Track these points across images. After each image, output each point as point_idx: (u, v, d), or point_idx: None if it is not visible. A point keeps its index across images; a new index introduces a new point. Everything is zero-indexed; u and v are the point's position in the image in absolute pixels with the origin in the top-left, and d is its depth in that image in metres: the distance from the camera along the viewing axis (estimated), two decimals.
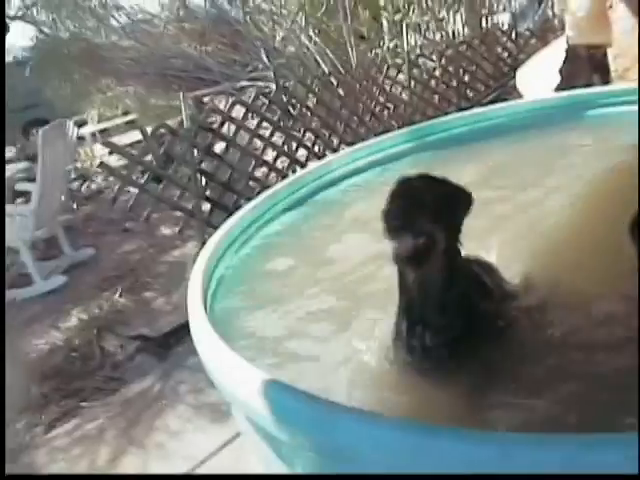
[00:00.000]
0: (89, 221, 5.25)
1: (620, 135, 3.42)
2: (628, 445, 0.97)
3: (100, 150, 6.44)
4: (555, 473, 1.00)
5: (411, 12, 6.99)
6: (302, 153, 4.89)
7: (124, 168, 4.55)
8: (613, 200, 2.63)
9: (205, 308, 1.80)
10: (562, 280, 1.87)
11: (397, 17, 6.94)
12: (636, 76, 3.88)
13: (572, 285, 1.87)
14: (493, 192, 2.86)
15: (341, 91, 5.25)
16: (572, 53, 4.53)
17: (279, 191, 3.11)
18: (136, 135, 5.24)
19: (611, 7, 4.11)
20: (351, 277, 2.19)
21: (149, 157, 4.51)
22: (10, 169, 5.32)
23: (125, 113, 8.47)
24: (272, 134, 4.79)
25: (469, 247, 1.63)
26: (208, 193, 4.32)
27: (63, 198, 4.78)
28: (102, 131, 8.00)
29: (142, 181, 4.23)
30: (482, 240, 1.82)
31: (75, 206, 5.55)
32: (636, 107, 3.54)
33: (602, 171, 2.93)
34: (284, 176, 4.47)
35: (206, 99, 5.63)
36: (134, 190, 4.26)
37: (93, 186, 6.13)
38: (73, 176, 5.82)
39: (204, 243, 2.48)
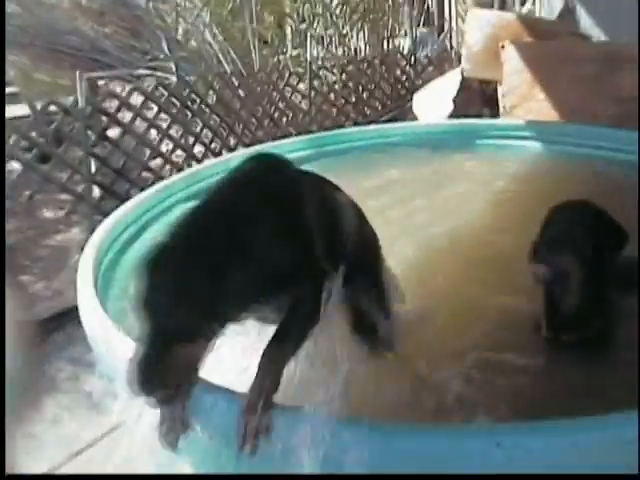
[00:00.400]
0: None
1: (502, 163, 3.73)
2: None
3: None
4: None
5: (316, 23, 7.12)
6: (199, 149, 4.84)
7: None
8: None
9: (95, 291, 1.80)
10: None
11: (302, 26, 7.05)
12: (521, 113, 4.20)
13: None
14: (387, 199, 3.04)
15: (241, 92, 5.26)
16: (466, 84, 4.82)
17: (176, 182, 3.09)
18: (19, 109, 4.95)
19: (503, 47, 4.41)
20: None
21: (34, 134, 4.28)
22: None
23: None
24: (169, 126, 4.70)
25: None
26: (99, 178, 4.17)
27: None
28: None
29: (27, 158, 4.01)
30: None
31: None
32: (519, 141, 3.87)
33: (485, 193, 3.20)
34: (179, 169, 4.41)
35: (101, 82, 5.43)
36: (17, 166, 4.04)
37: None
38: None
39: (92, 229, 2.42)
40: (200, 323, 1.22)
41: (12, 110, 6.04)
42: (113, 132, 4.46)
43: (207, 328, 1.24)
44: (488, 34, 4.68)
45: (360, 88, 6.24)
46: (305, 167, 3.54)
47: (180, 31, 6.93)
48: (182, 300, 1.20)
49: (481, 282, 2.12)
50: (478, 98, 4.70)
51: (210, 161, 4.27)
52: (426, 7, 7.75)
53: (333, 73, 6.12)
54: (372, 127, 4.51)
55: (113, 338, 1.51)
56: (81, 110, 4.17)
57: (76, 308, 1.93)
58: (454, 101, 4.82)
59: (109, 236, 2.37)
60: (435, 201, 3.13)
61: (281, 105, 5.57)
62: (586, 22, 5.51)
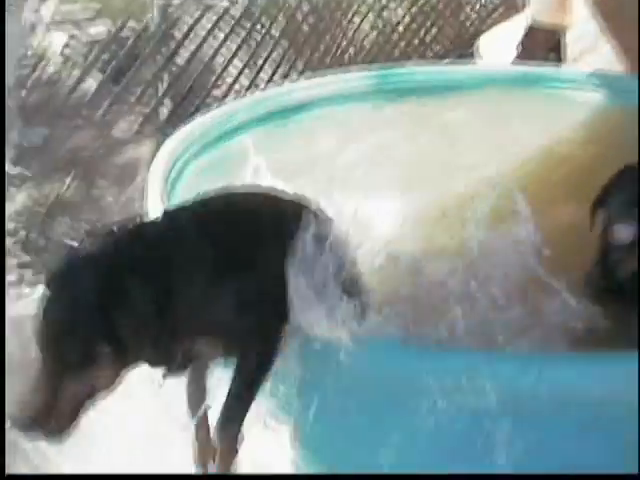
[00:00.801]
0: (42, 107, 5.11)
1: (564, 113, 3.73)
2: None
3: (58, 37, 6.21)
4: None
5: None
6: (264, 76, 4.94)
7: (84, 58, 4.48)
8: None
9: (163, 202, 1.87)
10: None
11: None
12: (590, 61, 4.17)
13: None
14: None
15: (311, 19, 5.31)
16: (532, 29, 4.77)
17: (240, 106, 3.21)
18: (93, 29, 5.11)
19: None
20: None
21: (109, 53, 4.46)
22: None
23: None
24: (236, 52, 4.82)
25: None
26: (168, 99, 4.35)
27: (13, 80, 4.66)
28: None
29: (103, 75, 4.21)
30: None
31: (25, 91, 5.38)
32: (585, 92, 3.85)
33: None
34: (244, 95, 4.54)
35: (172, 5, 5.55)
36: (92, 82, 4.23)
37: (44, 75, 5.92)
38: (26, 61, 5.62)
39: (159, 146, 2.57)
40: (93, 348, 1.11)
41: (89, 30, 6.24)
42: (183, 55, 4.61)
43: (105, 355, 1.13)
44: None
45: (423, 31, 6.21)
46: (364, 103, 3.66)
47: None
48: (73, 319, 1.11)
49: None
50: (545, 44, 4.65)
51: (273, 88, 4.37)
52: None
53: (395, 14, 6.10)
54: (435, 67, 4.53)
55: None
56: (153, 32, 4.32)
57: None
58: (519, 46, 4.78)
59: (175, 152, 2.48)
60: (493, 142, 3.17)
61: (347, 37, 5.63)
62: None
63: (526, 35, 4.88)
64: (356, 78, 3.89)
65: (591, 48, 4.28)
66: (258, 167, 2.04)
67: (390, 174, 2.46)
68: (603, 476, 1.07)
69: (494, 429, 1.14)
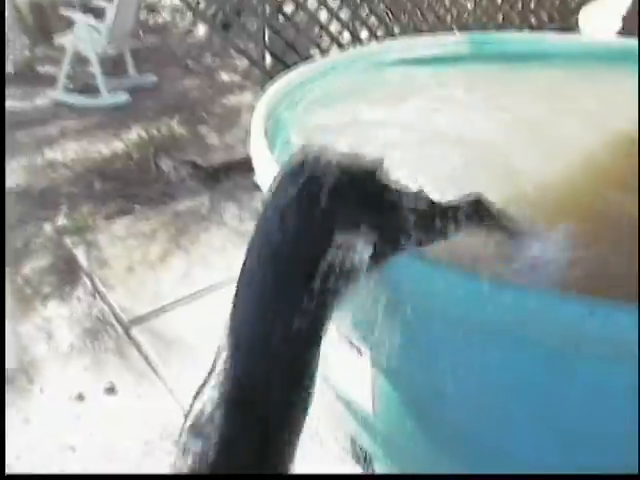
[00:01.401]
0: (154, 52, 5.47)
1: None
2: None
3: None
4: None
5: None
6: (365, 35, 5.09)
7: (193, 7, 4.75)
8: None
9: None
10: None
11: None
12: None
13: None
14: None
15: None
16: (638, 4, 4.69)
17: (340, 58, 3.36)
18: None
19: None
20: None
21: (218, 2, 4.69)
22: None
23: None
24: (340, 8, 4.97)
25: None
26: (272, 48, 4.55)
27: (133, 22, 5.01)
28: None
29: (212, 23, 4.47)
30: None
31: (142, 35, 5.75)
32: None
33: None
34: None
35: None
36: (201, 31, 4.51)
37: (159, 20, 6.28)
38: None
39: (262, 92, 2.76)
40: None
41: None
42: (288, 7, 4.81)
43: None
44: None
45: None
46: (463, 66, 3.75)
47: None
48: None
49: None
50: None
51: (373, 45, 4.50)
52: None
53: None
54: (535, 35, 4.55)
55: None
56: None
57: (243, 162, 2.20)
58: (625, 18, 4.72)
59: (278, 98, 2.65)
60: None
61: (447, 2, 5.66)
62: None
63: (632, 7, 4.79)
64: (454, 42, 3.99)
65: None
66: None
67: None
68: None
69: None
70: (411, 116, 2.57)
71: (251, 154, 1.79)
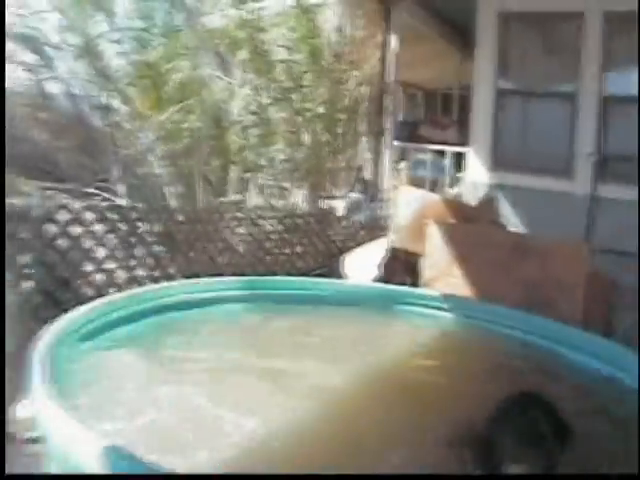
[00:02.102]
0: None
1: (416, 331, 4.04)
2: None
3: None
4: None
5: (259, 174, 7.63)
6: (141, 273, 4.98)
7: None
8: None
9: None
10: None
11: (246, 175, 7.53)
12: (440, 286, 4.60)
13: None
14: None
15: (184, 226, 5.51)
16: (392, 253, 5.25)
17: (118, 300, 3.25)
18: None
19: (427, 225, 4.87)
20: None
21: None
22: None
23: None
24: (114, 247, 4.86)
25: None
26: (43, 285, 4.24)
27: None
28: None
29: None
30: None
31: None
32: (434, 311, 4.22)
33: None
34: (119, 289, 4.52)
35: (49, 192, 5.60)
36: None
37: None
38: None
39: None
40: None
41: None
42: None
43: None
44: (416, 211, 5.19)
45: (294, 241, 6.60)
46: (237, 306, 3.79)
47: (131, 158, 7.23)
48: None
49: None
50: (402, 267, 5.10)
51: (152, 286, 4.43)
52: (363, 176, 8.43)
53: (270, 223, 6.48)
54: (302, 279, 4.82)
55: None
56: (35, 216, 4.33)
57: None
58: (380, 267, 5.21)
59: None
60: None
61: (219, 245, 5.84)
62: (505, 210, 6.21)
63: (386, 258, 5.35)
64: (229, 284, 4.07)
65: (443, 273, 4.74)
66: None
67: None
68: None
69: None
70: None
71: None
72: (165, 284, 4.43)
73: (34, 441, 2.63)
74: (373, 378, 2.85)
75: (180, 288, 3.70)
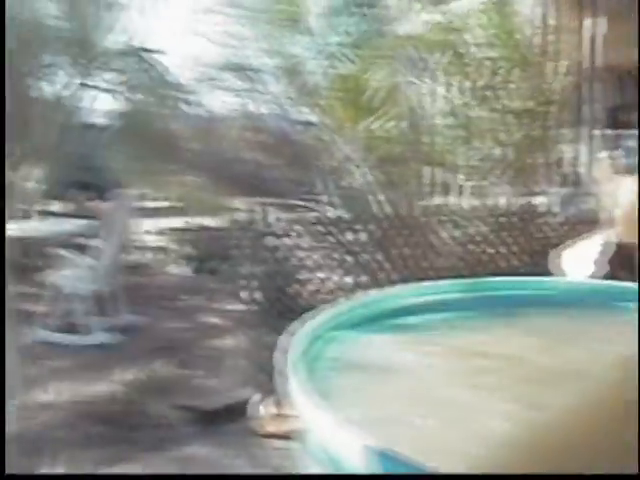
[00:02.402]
0: (134, 290, 5.44)
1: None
2: None
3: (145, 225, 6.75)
4: None
5: (460, 175, 7.62)
6: (348, 280, 5.16)
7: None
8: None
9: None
10: None
11: (447, 177, 7.56)
12: None
13: None
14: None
15: (392, 233, 5.63)
16: (618, 247, 4.97)
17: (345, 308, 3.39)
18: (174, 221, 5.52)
19: None
20: None
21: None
22: (71, 223, 5.63)
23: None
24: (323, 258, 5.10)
25: None
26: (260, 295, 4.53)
27: (120, 261, 5.04)
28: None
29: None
30: None
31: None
32: None
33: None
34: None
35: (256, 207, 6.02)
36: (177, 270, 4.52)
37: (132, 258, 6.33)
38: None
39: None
40: None
41: (174, 221, 6.79)
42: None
43: None
44: (636, 202, 4.88)
45: (498, 241, 6.49)
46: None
47: (334, 168, 7.54)
48: None
49: None
50: (627, 262, 4.83)
51: (372, 293, 4.58)
52: (569, 170, 8.07)
53: (475, 224, 6.43)
54: (523, 278, 4.72)
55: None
56: (254, 230, 4.69)
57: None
58: (598, 263, 4.97)
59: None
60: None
61: (424, 249, 5.90)
62: None
63: (605, 253, 5.07)
64: (449, 287, 4.09)
65: None
66: None
67: None
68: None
69: None
70: None
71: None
72: (383, 291, 4.54)
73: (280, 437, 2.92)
74: None
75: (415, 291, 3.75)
